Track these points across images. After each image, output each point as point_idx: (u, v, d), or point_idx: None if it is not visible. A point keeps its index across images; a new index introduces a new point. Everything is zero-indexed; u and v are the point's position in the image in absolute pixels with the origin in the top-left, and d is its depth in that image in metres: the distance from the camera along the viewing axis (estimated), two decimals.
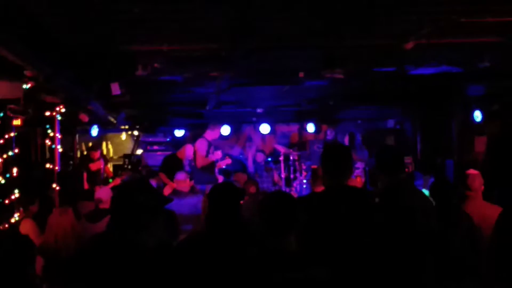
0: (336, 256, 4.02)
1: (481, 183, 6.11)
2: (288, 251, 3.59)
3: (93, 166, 12.74)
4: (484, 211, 5.72)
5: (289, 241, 3.62)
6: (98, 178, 12.51)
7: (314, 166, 13.86)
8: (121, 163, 15.87)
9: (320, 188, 7.08)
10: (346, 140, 13.75)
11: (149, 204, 3.31)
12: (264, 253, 3.62)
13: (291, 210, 3.71)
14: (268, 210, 3.73)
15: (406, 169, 13.31)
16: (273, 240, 3.61)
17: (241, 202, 4.51)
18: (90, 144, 14.32)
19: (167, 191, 11.63)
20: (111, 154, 17.39)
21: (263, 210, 3.76)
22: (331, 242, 4.16)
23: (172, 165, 12.41)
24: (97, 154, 13.17)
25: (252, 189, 7.91)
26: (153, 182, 11.34)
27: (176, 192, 9.20)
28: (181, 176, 9.45)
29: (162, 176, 12.08)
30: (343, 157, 4.59)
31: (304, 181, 13.73)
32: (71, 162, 12.93)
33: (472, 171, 6.20)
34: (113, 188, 9.66)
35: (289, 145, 16.14)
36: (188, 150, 12.63)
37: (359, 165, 13.14)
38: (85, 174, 12.63)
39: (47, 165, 9.69)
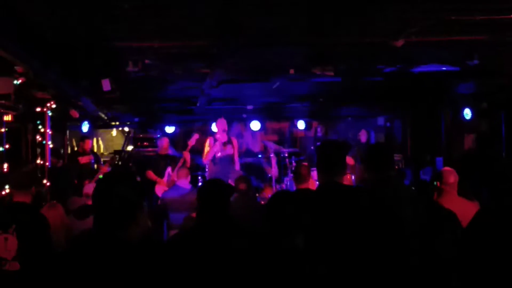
0: (329, 254, 4.06)
1: (456, 180, 6.29)
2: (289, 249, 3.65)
3: (82, 160, 12.67)
4: (459, 206, 5.81)
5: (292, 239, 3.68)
6: (86, 172, 12.42)
7: (305, 164, 13.92)
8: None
9: (303, 186, 7.14)
10: (363, 137, 13.77)
11: (131, 196, 3.26)
12: (257, 249, 3.67)
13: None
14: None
15: (396, 166, 13.38)
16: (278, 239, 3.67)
17: (230, 197, 4.53)
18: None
19: (159, 190, 11.60)
20: (101, 150, 17.36)
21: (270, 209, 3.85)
22: (324, 240, 4.18)
23: (158, 162, 12.41)
24: (87, 145, 13.05)
25: (242, 186, 7.86)
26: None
27: (177, 188, 9.19)
28: (182, 172, 9.44)
29: (150, 174, 12.06)
30: (336, 154, 4.61)
31: None
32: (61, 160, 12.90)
33: (447, 168, 6.43)
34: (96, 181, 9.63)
35: None
36: (164, 143, 12.63)
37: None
38: None
39: (38, 161, 9.69)
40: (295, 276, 3.53)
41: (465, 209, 5.56)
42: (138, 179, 9.47)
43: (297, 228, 3.72)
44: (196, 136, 12.33)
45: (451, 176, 6.25)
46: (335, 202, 4.33)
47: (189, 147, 12.06)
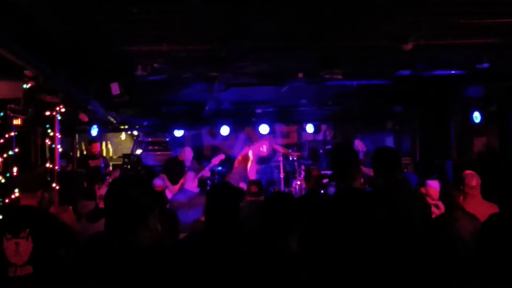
0: (341, 258, 4.08)
1: (479, 183, 6.24)
2: (287, 252, 3.63)
3: (92, 163, 12.71)
4: (482, 209, 5.78)
5: (289, 242, 3.66)
6: (96, 176, 12.45)
7: (315, 167, 13.92)
8: (120, 162, 15.88)
9: (313, 189, 7.14)
10: None
11: (143, 198, 3.26)
12: (261, 253, 3.66)
13: (291, 210, 3.76)
14: (268, 211, 3.80)
15: (405, 170, 13.37)
16: (272, 241, 3.66)
17: (240, 201, 4.52)
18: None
19: (168, 194, 11.60)
20: (110, 154, 17.41)
21: (263, 210, 3.83)
22: (340, 244, 4.20)
23: (173, 167, 12.43)
24: (96, 148, 13.10)
25: (254, 189, 7.86)
26: (159, 182, 11.36)
27: (185, 191, 9.19)
28: (190, 175, 9.46)
29: (164, 178, 12.06)
30: (350, 160, 4.63)
31: None
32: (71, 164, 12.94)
33: (468, 171, 6.36)
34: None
35: None
36: (188, 153, 12.66)
37: None
38: None
39: (47, 165, 9.70)
40: (292, 279, 3.52)
41: (490, 213, 5.55)
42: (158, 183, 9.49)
43: (291, 229, 3.71)
44: (221, 157, 12.51)
45: (473, 179, 6.24)
46: (353, 207, 4.35)
47: (211, 165, 12.34)
